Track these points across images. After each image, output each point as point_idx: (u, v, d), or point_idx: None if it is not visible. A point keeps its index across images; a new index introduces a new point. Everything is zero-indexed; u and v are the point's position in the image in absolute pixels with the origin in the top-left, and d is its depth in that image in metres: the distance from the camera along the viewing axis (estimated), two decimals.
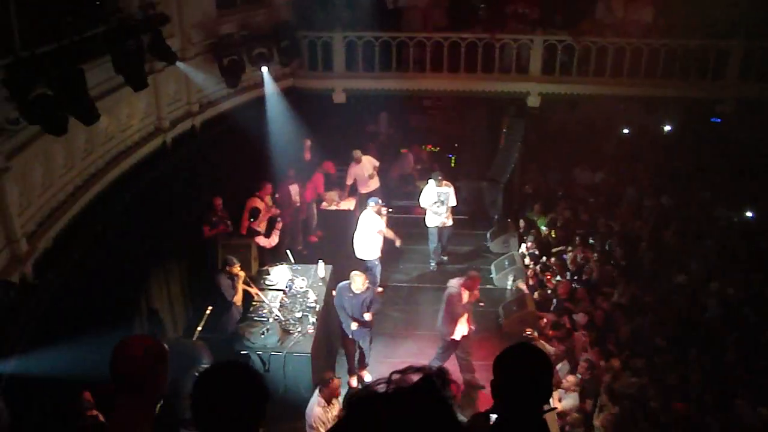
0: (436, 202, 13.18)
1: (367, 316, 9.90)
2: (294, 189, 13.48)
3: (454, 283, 10.12)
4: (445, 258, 14.09)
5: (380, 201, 12.21)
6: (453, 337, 10.04)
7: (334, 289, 10.23)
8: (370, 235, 11.98)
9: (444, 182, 13.23)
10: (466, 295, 10.00)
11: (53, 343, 6.68)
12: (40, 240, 7.27)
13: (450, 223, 13.62)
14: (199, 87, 11.34)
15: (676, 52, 13.79)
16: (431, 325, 11.07)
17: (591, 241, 13.52)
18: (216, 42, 11.57)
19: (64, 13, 7.04)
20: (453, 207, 13.54)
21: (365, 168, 14.39)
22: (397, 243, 12.56)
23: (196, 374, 2.60)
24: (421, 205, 13.47)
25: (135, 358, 2.83)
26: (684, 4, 14.07)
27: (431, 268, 13.81)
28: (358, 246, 12.09)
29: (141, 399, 2.89)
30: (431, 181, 13.27)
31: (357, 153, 14.26)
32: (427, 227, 13.62)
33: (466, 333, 10.10)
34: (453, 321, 9.96)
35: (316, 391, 8.47)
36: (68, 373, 6.26)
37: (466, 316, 10.04)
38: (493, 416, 2.83)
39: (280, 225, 12.26)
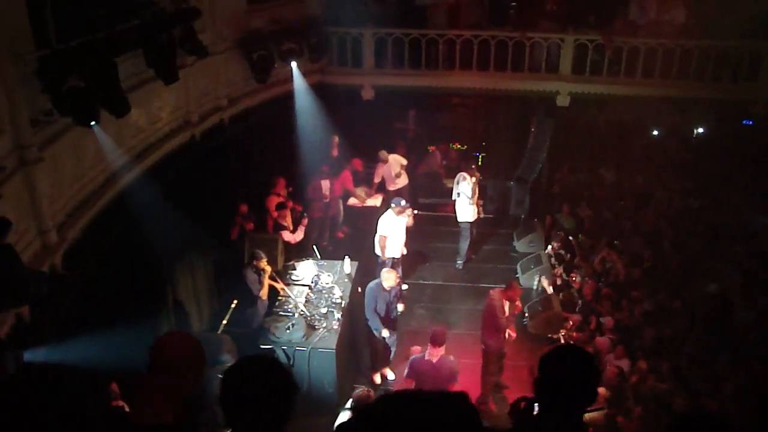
0: (470, 198, 13.14)
1: (400, 307, 10.13)
2: (326, 184, 13.48)
3: (495, 295, 9.80)
4: (471, 256, 14.05)
5: (404, 202, 12.06)
6: (498, 347, 9.85)
7: (360, 286, 10.24)
8: (390, 234, 11.96)
9: (475, 172, 13.38)
10: (508, 306, 9.76)
11: (81, 333, 6.75)
12: (69, 231, 7.35)
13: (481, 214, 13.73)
14: (228, 82, 11.39)
15: (708, 54, 13.60)
16: (456, 323, 11.03)
17: (616, 242, 13.37)
18: (246, 36, 11.60)
19: (97, 6, 7.08)
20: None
21: (392, 167, 14.40)
22: (403, 251, 12.45)
23: (220, 375, 2.62)
24: (458, 199, 13.37)
25: (175, 345, 2.86)
26: (717, 4, 13.88)
27: (458, 266, 13.75)
28: (378, 244, 12.11)
29: (170, 382, 2.91)
30: (465, 174, 13.23)
31: (383, 154, 14.28)
32: (460, 223, 13.55)
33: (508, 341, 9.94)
34: (497, 333, 9.70)
35: (348, 406, 7.82)
36: (96, 363, 6.31)
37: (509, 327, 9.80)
38: (536, 405, 2.82)
39: (306, 221, 12.26)
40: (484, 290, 12.33)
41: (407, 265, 12.93)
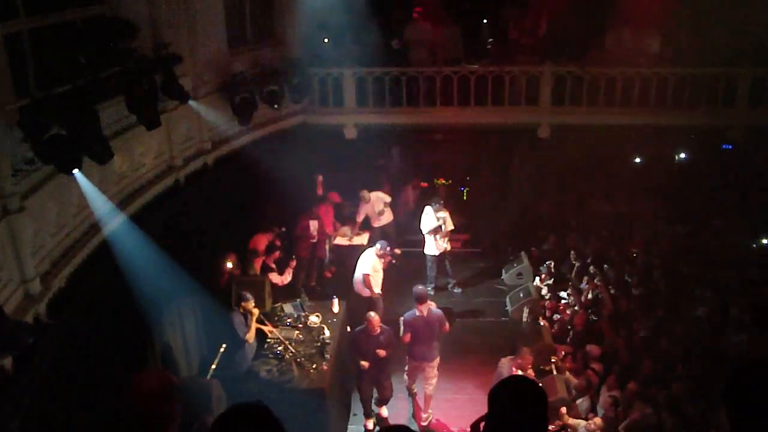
0: (436, 228, 13.30)
1: (381, 353, 9.92)
2: (314, 224, 13.50)
3: (505, 363, 9.73)
4: (458, 290, 14.08)
5: (387, 246, 12.19)
6: None
7: (349, 325, 10.19)
8: (373, 272, 12.03)
9: (442, 208, 13.49)
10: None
11: (68, 383, 6.65)
12: (53, 280, 7.27)
13: (449, 248, 13.78)
14: (211, 125, 11.42)
15: (685, 81, 13.82)
16: (447, 356, 10.99)
17: (605, 269, 13.39)
18: (228, 80, 11.67)
19: (78, 54, 7.11)
20: (452, 232, 13.80)
21: (375, 205, 14.51)
22: (377, 291, 12.39)
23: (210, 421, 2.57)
24: (423, 232, 13.59)
25: (147, 396, 2.81)
26: (691, 33, 14.15)
27: (430, 291, 13.59)
28: (357, 282, 12.17)
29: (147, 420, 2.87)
30: (429, 208, 13.47)
31: (364, 194, 14.37)
32: (426, 255, 13.75)
33: None
34: None
35: None
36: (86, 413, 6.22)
37: None
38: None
39: (293, 263, 12.24)
40: (473, 323, 12.42)
41: (393, 302, 12.89)
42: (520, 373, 9.44)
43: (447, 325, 10.34)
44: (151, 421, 2.84)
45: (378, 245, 12.15)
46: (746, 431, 2.41)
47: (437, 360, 10.36)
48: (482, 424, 2.84)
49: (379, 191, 14.75)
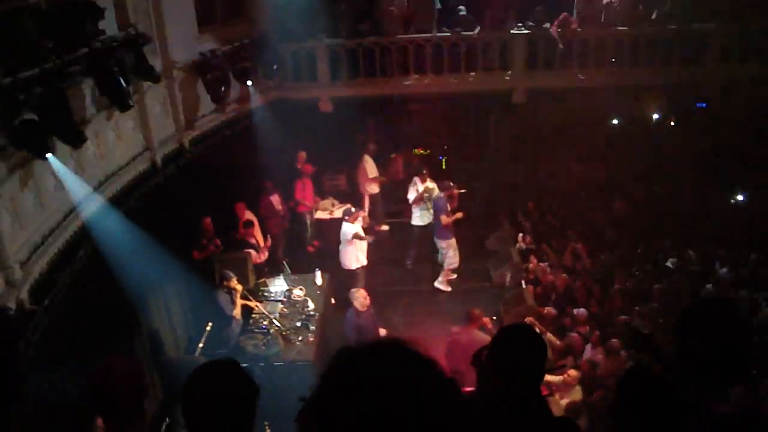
0: (419, 197, 13.38)
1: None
2: (275, 199, 13.60)
3: (459, 330, 9.56)
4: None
5: (353, 209, 12.27)
6: None
7: (332, 296, 10.24)
8: (351, 244, 12.06)
9: (427, 179, 13.49)
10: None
11: (54, 367, 6.69)
12: (34, 266, 7.27)
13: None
14: (185, 105, 11.37)
15: (656, 39, 13.87)
16: (430, 324, 11.13)
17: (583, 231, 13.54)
18: (199, 59, 11.60)
19: (43, 38, 7.04)
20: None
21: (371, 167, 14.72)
22: (384, 228, 12.55)
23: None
24: (411, 203, 13.65)
25: (112, 387, 2.84)
26: None
27: (407, 266, 13.95)
28: (342, 256, 12.21)
29: (128, 423, 2.90)
30: (417, 178, 13.54)
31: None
32: (413, 226, 13.81)
33: None
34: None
35: None
36: (74, 398, 6.25)
37: None
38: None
39: (269, 243, 12.32)
40: (457, 290, 12.51)
41: (377, 273, 13.01)
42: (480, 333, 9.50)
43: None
44: (120, 408, 2.87)
45: (345, 214, 12.23)
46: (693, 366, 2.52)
47: None
48: (484, 353, 2.94)
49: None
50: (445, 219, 12.75)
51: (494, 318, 11.02)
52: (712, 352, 2.44)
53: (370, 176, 14.69)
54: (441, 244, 13.06)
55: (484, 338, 9.16)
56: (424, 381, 1.46)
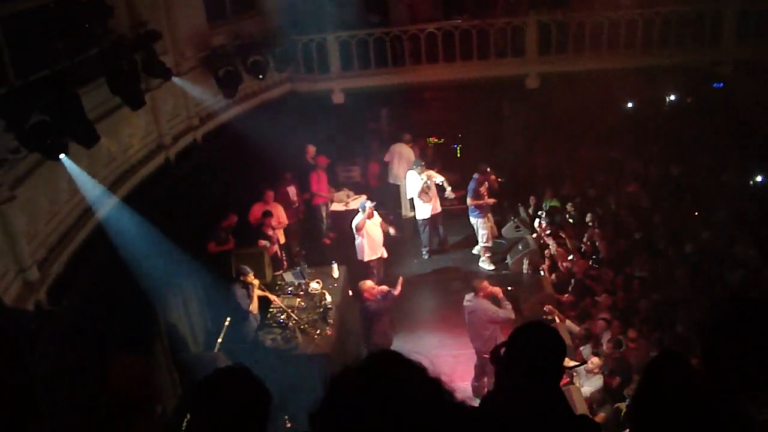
0: (423, 189, 13.30)
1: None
2: (291, 190, 13.60)
3: (470, 298, 9.66)
4: (426, 256, 14.11)
5: (369, 204, 12.17)
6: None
7: (349, 289, 10.25)
8: (362, 236, 12.10)
9: (426, 169, 13.47)
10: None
11: (74, 367, 6.71)
12: (51, 266, 7.31)
13: (440, 209, 13.78)
14: (197, 100, 11.37)
15: (670, 20, 13.69)
16: (450, 313, 11.09)
17: (602, 216, 13.41)
18: (210, 54, 11.58)
19: (54, 39, 7.05)
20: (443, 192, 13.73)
21: (405, 156, 14.72)
22: (391, 231, 12.57)
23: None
24: (410, 196, 13.78)
25: (123, 384, 2.83)
26: None
27: (424, 257, 13.93)
28: (359, 248, 12.24)
29: (140, 420, 2.89)
30: (412, 171, 13.53)
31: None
32: (417, 220, 13.82)
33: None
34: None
35: None
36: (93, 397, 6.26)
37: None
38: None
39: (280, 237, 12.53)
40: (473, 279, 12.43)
41: (395, 264, 13.01)
42: (489, 303, 9.53)
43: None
44: (130, 408, 2.86)
45: (360, 207, 12.22)
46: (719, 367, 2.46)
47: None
48: (503, 350, 2.90)
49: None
50: (470, 200, 13.00)
51: (509, 288, 10.94)
52: (747, 354, 2.37)
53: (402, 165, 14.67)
54: (473, 221, 13.32)
55: (494, 309, 9.44)
56: (416, 390, 1.60)
